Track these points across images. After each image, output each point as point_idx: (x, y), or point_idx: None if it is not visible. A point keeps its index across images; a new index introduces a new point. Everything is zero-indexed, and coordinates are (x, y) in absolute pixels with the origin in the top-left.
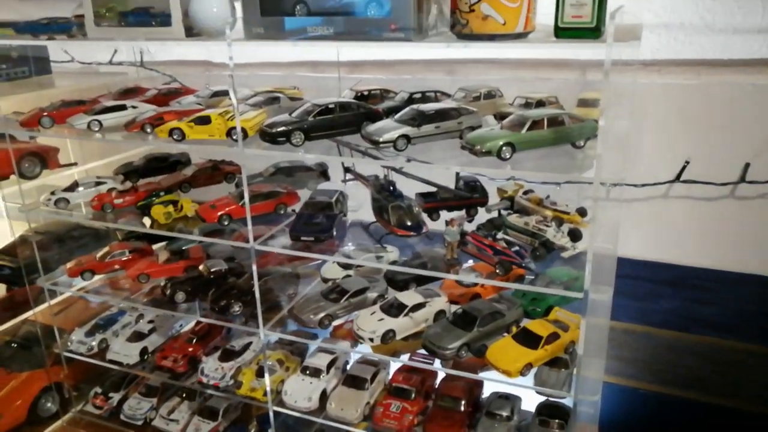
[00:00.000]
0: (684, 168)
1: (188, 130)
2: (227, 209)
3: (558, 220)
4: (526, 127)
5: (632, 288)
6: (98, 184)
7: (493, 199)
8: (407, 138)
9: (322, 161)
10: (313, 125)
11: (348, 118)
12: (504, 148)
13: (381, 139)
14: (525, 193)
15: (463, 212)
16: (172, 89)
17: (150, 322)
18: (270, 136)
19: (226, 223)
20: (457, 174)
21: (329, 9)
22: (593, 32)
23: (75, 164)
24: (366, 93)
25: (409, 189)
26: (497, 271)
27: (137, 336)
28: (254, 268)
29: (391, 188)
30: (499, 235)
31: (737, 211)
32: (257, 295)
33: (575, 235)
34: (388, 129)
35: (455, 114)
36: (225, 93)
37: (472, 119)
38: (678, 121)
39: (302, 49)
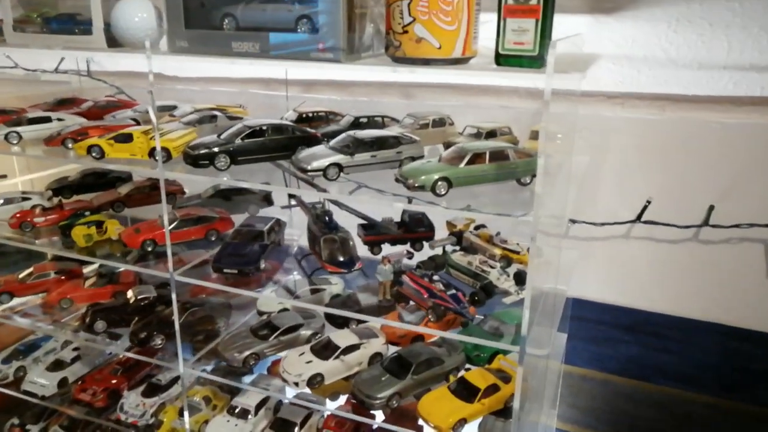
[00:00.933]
0: (645, 208)
1: (108, 147)
2: (152, 234)
3: (506, 260)
4: (465, 161)
5: (589, 331)
6: (24, 199)
7: (442, 233)
8: (339, 167)
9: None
10: (241, 148)
11: (282, 142)
12: (439, 183)
13: (309, 167)
14: (476, 228)
15: (404, 248)
16: (111, 102)
17: (75, 349)
18: (192, 159)
19: (149, 249)
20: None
21: (258, 24)
22: (535, 61)
23: (4, 176)
24: (310, 115)
25: (353, 220)
26: (429, 316)
27: (57, 365)
28: (174, 298)
29: (327, 218)
30: (437, 276)
31: (700, 255)
32: (177, 327)
33: (521, 278)
34: (319, 156)
35: (394, 142)
36: (167, 108)
37: (413, 149)
38: (641, 158)
39: (254, 66)
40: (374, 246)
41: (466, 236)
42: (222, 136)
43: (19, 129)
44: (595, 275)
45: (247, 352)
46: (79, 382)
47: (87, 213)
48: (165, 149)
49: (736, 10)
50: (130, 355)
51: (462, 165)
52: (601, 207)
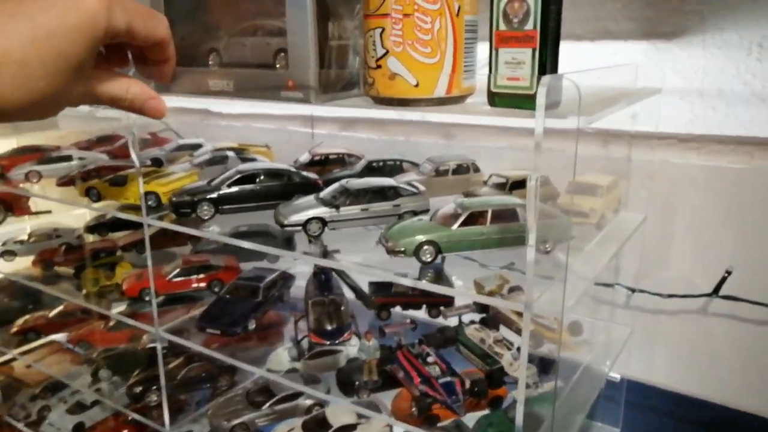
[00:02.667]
0: (724, 279)
1: (104, 190)
2: (154, 283)
3: (536, 339)
4: (460, 221)
5: (652, 424)
6: (54, 237)
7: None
8: (322, 222)
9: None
10: (228, 195)
11: (276, 189)
12: (425, 247)
13: (287, 221)
14: (511, 290)
15: (419, 312)
16: (146, 139)
17: (98, 390)
18: (173, 206)
19: (147, 298)
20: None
21: (240, 60)
22: (532, 101)
23: (49, 212)
24: (325, 157)
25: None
26: (412, 408)
27: (78, 407)
28: (159, 355)
29: (323, 276)
30: (432, 356)
31: None
32: (163, 385)
33: (546, 367)
34: (301, 208)
35: (392, 194)
36: (192, 147)
37: (415, 202)
38: (721, 216)
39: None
40: (382, 310)
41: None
42: (214, 182)
43: (38, 168)
44: (663, 356)
45: (236, 421)
46: (90, 429)
47: (103, 254)
48: (154, 194)
49: None
50: (118, 407)
51: (455, 226)
52: (670, 274)
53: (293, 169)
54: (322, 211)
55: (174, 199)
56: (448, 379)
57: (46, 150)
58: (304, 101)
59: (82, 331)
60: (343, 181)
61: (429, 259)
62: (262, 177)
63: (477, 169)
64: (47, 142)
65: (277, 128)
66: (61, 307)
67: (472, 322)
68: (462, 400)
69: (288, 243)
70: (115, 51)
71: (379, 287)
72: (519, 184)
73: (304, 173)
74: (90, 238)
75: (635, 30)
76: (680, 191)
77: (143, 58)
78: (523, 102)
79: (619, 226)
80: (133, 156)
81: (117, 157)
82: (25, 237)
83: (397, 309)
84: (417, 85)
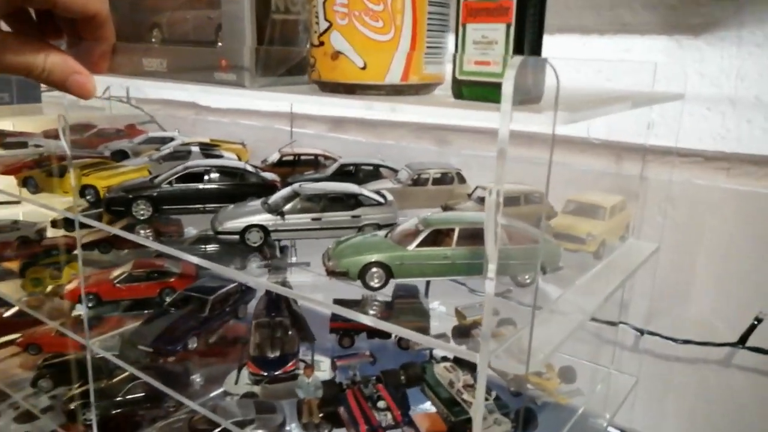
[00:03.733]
0: (754, 327)
1: (42, 181)
2: (97, 287)
3: (518, 384)
4: (419, 240)
5: None
6: (12, 230)
7: (445, 325)
8: (263, 230)
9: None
10: (168, 194)
11: (227, 189)
12: (372, 270)
13: (221, 228)
14: (500, 323)
15: (393, 340)
16: (120, 130)
17: (53, 397)
18: (105, 203)
19: (90, 305)
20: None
21: (182, 37)
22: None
23: (17, 202)
24: (295, 158)
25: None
26: None
27: (27, 416)
28: (90, 373)
29: (274, 294)
30: (383, 402)
31: None
32: (92, 402)
33: (528, 422)
34: (240, 214)
35: (352, 203)
36: (161, 140)
37: (379, 213)
38: (752, 251)
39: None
40: (343, 336)
41: (476, 334)
42: (156, 179)
43: None
44: (674, 411)
45: None
46: None
47: (55, 252)
48: (92, 188)
49: None
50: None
51: (413, 246)
52: (687, 316)
53: (250, 169)
54: (264, 219)
55: (107, 195)
56: (399, 431)
57: (5, 135)
58: (237, 84)
59: (36, 333)
60: (296, 185)
61: (377, 285)
62: (211, 175)
63: (462, 180)
64: (30, 128)
65: (264, 126)
66: (16, 308)
67: (445, 358)
68: None
69: (259, 251)
70: (51, 24)
71: (343, 303)
72: (510, 201)
73: (263, 173)
74: (56, 233)
75: (656, 22)
76: (703, 218)
77: (77, 35)
78: (492, 93)
79: (627, 255)
80: (64, 144)
81: (84, 147)
82: None
83: (364, 336)
84: (364, 68)
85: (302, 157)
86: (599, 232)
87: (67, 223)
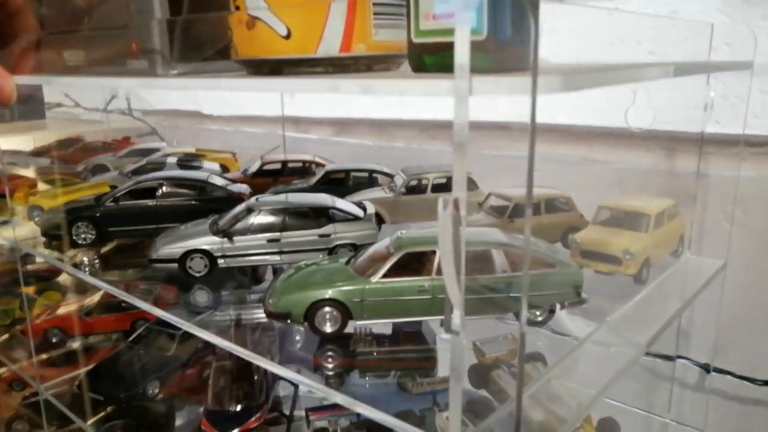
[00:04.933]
0: None
1: None
2: (63, 322)
3: None
4: (386, 268)
5: None
6: None
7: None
8: (208, 257)
9: None
10: (114, 213)
11: (184, 205)
12: (324, 310)
13: (155, 255)
14: (527, 360)
15: None
16: (107, 143)
17: None
18: (42, 228)
19: (54, 340)
20: None
21: (102, 22)
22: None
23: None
24: (280, 166)
25: None
26: None
27: None
28: (44, 420)
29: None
30: None
31: None
32: None
33: None
34: (179, 237)
35: (322, 219)
36: (145, 153)
37: (354, 230)
38: None
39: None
40: (331, 375)
41: (495, 375)
42: (102, 197)
43: None
44: None
45: None
46: None
47: (32, 280)
48: (38, 208)
49: None
50: None
51: (377, 276)
52: (766, 349)
53: (216, 181)
54: (207, 242)
55: (44, 217)
56: None
57: None
58: (149, 73)
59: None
60: (251, 200)
61: (330, 331)
62: (164, 189)
63: (473, 185)
64: (34, 143)
65: (267, 132)
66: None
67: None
68: None
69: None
70: None
71: (331, 342)
72: (523, 209)
73: (229, 186)
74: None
75: None
76: (753, 221)
77: None
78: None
79: (682, 275)
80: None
81: (68, 162)
82: None
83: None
84: (288, 37)
85: (289, 165)
86: (640, 248)
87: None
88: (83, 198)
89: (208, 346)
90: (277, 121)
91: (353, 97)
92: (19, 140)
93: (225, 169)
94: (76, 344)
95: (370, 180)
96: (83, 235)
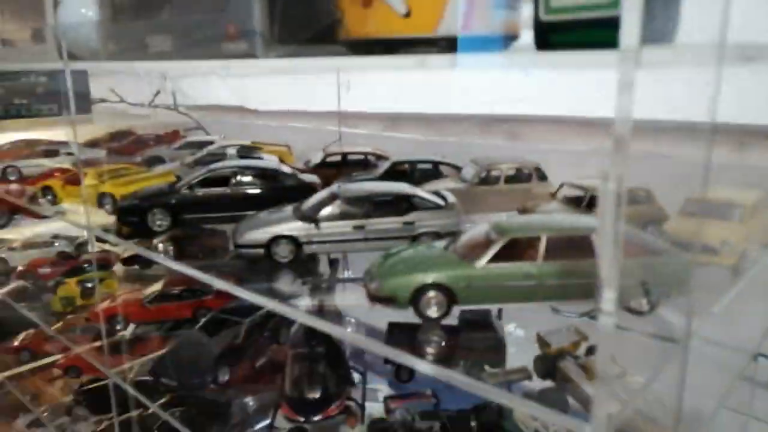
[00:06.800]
0: None
1: (60, 190)
2: (125, 309)
3: None
4: (491, 253)
5: None
6: (50, 245)
7: (524, 355)
8: (294, 242)
9: None
10: (189, 200)
11: (259, 193)
12: (429, 294)
13: (240, 240)
14: (589, 352)
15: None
16: (160, 136)
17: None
18: (118, 213)
19: (118, 327)
20: None
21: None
22: (611, 29)
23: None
24: (341, 158)
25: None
26: None
27: None
28: (113, 406)
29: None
30: None
31: None
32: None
33: None
34: (265, 223)
35: (404, 207)
36: (200, 145)
37: (438, 219)
38: None
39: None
40: (401, 368)
41: (564, 366)
42: (176, 185)
43: (17, 163)
44: None
45: None
46: None
47: (89, 268)
48: (110, 196)
49: None
50: None
51: (483, 262)
52: None
53: (286, 170)
54: (294, 228)
55: (119, 203)
56: None
57: (39, 144)
58: (248, 55)
59: (76, 354)
60: (334, 186)
61: (436, 315)
62: (239, 178)
63: (543, 177)
64: (81, 136)
65: (315, 128)
66: (59, 324)
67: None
68: None
69: (311, 262)
70: None
71: (399, 332)
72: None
73: (300, 175)
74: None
75: None
76: None
77: None
78: (599, 33)
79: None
80: (74, 148)
81: (122, 154)
82: (19, 244)
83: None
84: (408, 15)
85: (350, 157)
86: (738, 238)
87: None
88: (154, 186)
89: (273, 335)
90: (323, 117)
91: (404, 91)
92: (68, 133)
93: (281, 161)
94: (139, 331)
95: (435, 171)
96: (159, 222)
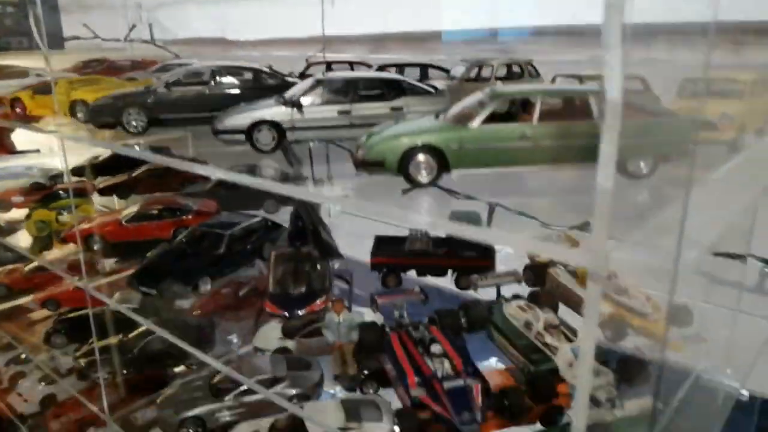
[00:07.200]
0: None
1: (29, 101)
2: (101, 228)
3: (616, 329)
4: (484, 115)
5: None
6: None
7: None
8: (277, 128)
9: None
10: (166, 100)
11: (237, 92)
12: (418, 157)
13: (220, 126)
14: None
15: (448, 278)
16: (136, 62)
17: (80, 357)
18: (91, 114)
19: (96, 247)
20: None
21: None
22: None
23: (37, 150)
24: (326, 67)
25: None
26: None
27: (50, 377)
28: (91, 321)
29: (299, 222)
30: (438, 346)
31: None
32: (97, 358)
33: (629, 374)
34: (246, 110)
35: (390, 93)
36: (171, 68)
37: (428, 104)
38: None
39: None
40: (388, 274)
41: (553, 273)
42: (150, 87)
43: None
44: None
45: (187, 414)
46: (58, 406)
47: (63, 195)
48: (82, 103)
49: None
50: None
51: (476, 123)
52: None
53: (264, 69)
54: (277, 113)
55: (93, 104)
56: (460, 382)
57: (9, 68)
58: None
59: (54, 288)
60: (319, 75)
61: (426, 178)
62: (216, 78)
63: (535, 74)
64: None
65: (298, 55)
66: (35, 263)
67: (516, 296)
68: (479, 419)
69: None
70: None
71: (386, 243)
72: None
73: (281, 72)
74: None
75: None
76: None
77: None
78: None
79: (763, 156)
80: (43, 47)
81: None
82: None
83: (412, 274)
84: None
85: (334, 66)
86: (738, 112)
87: (91, 170)
88: (130, 88)
89: (256, 249)
90: (307, 43)
91: (389, 11)
92: (40, 65)
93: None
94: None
95: (423, 75)
96: (134, 122)
